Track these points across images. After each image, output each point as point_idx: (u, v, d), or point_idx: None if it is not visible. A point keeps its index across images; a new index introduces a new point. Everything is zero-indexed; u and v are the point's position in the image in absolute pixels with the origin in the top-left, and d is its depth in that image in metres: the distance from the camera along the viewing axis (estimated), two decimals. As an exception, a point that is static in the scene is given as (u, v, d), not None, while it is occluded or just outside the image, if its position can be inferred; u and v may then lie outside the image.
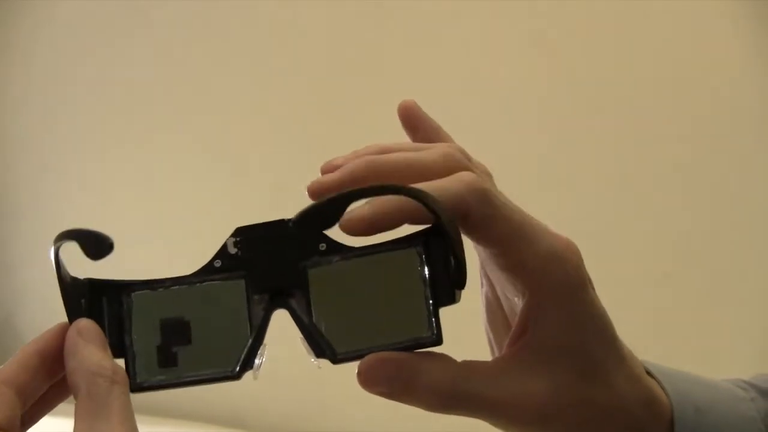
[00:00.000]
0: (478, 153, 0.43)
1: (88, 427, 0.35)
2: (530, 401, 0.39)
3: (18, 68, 1.88)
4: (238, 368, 0.39)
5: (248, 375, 0.39)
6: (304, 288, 0.39)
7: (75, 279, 0.39)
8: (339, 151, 0.42)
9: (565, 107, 1.37)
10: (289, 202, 0.41)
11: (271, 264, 0.40)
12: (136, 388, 0.39)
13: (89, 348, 0.37)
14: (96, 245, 0.39)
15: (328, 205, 0.38)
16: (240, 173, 1.64)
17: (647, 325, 1.20)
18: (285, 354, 0.51)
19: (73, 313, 0.38)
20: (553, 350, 0.39)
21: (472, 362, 0.40)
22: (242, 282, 0.40)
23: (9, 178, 1.92)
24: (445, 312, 0.39)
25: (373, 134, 0.52)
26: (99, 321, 0.38)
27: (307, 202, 0.39)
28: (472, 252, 0.39)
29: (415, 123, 0.45)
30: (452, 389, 0.38)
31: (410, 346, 0.39)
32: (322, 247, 0.39)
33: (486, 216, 0.38)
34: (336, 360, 0.39)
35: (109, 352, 0.37)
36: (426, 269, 0.39)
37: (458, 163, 0.40)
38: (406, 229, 0.39)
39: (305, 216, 0.38)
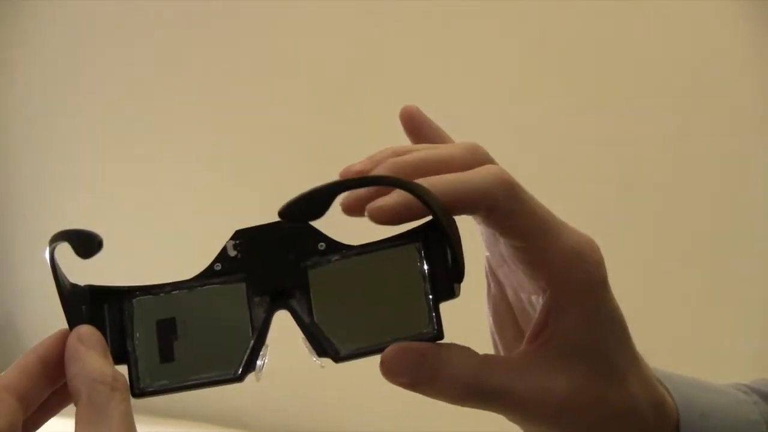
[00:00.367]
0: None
1: None
2: (549, 397, 0.39)
3: (18, 68, 1.88)
4: (240, 370, 0.39)
5: (250, 377, 0.39)
6: (305, 288, 0.39)
7: (75, 286, 0.39)
8: (338, 151, 0.42)
9: (565, 107, 1.37)
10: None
11: (271, 265, 0.39)
12: (139, 393, 0.39)
13: (90, 354, 0.37)
14: (85, 244, 0.38)
15: (314, 196, 0.37)
16: (240, 174, 1.64)
17: (647, 325, 1.20)
18: (285, 354, 0.51)
19: (74, 321, 0.38)
20: (573, 348, 0.39)
21: (492, 356, 0.40)
22: (243, 284, 0.40)
23: (9, 178, 1.92)
24: (445, 313, 0.39)
25: (373, 134, 0.52)
26: (100, 328, 0.38)
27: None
28: (470, 247, 0.39)
29: (417, 128, 0.45)
30: (475, 381, 0.38)
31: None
32: (321, 246, 0.39)
33: (513, 209, 0.38)
34: (338, 359, 0.39)
35: (110, 358, 0.37)
36: (425, 265, 0.39)
37: (483, 156, 0.40)
38: (406, 227, 0.39)
39: (291, 207, 0.37)
